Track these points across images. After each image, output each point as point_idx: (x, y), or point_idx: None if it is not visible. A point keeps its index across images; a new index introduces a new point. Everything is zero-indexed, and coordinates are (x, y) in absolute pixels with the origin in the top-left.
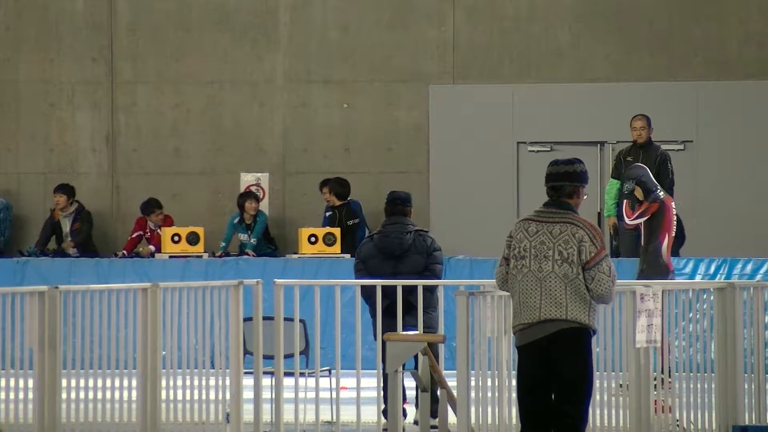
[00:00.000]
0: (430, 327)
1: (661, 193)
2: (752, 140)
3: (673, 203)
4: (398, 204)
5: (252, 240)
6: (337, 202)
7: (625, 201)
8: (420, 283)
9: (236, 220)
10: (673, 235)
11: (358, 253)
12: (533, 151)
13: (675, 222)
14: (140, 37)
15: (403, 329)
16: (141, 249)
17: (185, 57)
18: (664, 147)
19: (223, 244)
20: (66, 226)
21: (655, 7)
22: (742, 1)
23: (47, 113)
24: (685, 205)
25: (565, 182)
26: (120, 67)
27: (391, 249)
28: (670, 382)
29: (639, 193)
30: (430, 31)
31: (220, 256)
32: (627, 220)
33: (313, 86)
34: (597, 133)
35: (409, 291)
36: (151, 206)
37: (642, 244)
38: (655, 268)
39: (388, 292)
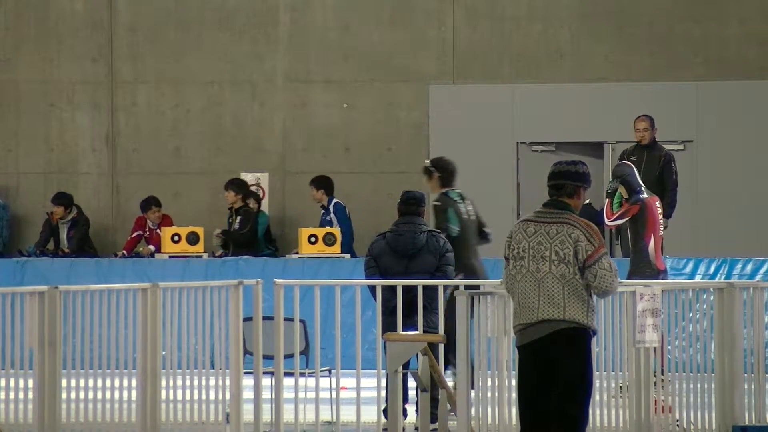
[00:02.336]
0: (436, 327)
1: (644, 194)
2: (752, 140)
3: (657, 203)
4: (412, 204)
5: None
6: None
7: (607, 200)
8: (419, 282)
9: None
10: (660, 234)
11: (370, 251)
12: (536, 151)
13: (661, 222)
14: (140, 37)
15: (416, 329)
16: (141, 249)
17: (185, 57)
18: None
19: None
20: (63, 232)
21: (655, 7)
22: (742, 1)
23: (47, 113)
24: (684, 205)
25: (567, 181)
26: (120, 67)
27: (404, 248)
28: (669, 381)
29: (623, 191)
30: (430, 31)
31: (220, 256)
32: (607, 221)
33: (313, 86)
34: (597, 133)
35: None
36: (148, 204)
37: (630, 246)
38: (642, 270)
39: (396, 292)
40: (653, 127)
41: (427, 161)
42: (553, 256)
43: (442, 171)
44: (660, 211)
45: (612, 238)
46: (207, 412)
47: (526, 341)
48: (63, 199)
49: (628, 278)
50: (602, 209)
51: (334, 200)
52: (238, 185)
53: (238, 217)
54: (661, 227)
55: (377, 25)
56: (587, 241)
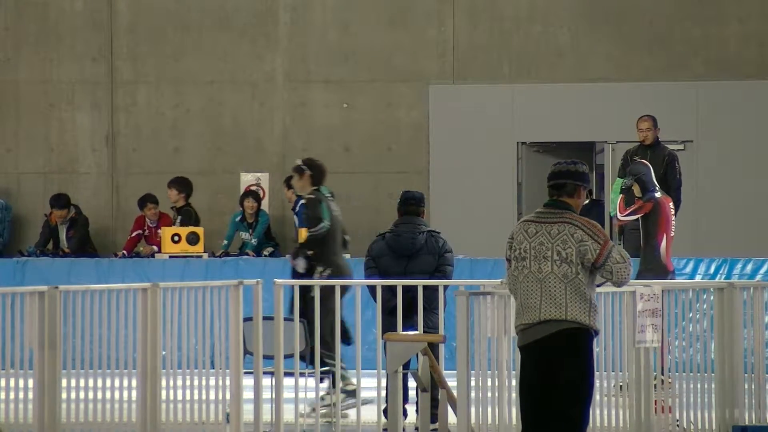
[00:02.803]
0: (436, 327)
1: (658, 193)
2: (752, 140)
3: (671, 203)
4: (412, 204)
5: (253, 240)
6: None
7: (621, 196)
8: (420, 283)
9: (238, 219)
10: (672, 235)
11: (369, 251)
12: (537, 151)
13: (674, 223)
14: (140, 37)
15: (414, 329)
16: (141, 249)
17: (185, 57)
18: None
19: (226, 242)
20: (63, 232)
21: (655, 7)
22: (742, 1)
23: (47, 113)
24: (685, 205)
25: (567, 180)
26: (120, 67)
27: (403, 248)
28: (669, 382)
29: (637, 190)
30: (430, 31)
31: (220, 255)
32: (619, 215)
33: (313, 86)
34: (597, 133)
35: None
36: (144, 201)
37: (641, 244)
38: (653, 269)
39: (396, 292)
40: (656, 127)
41: (299, 160)
42: (555, 256)
43: (314, 170)
44: (673, 211)
45: (618, 237)
46: (207, 412)
47: (528, 341)
48: (62, 201)
49: (637, 277)
50: (601, 203)
51: (302, 201)
52: (180, 184)
53: (179, 217)
54: (674, 227)
55: (377, 25)
56: (593, 240)
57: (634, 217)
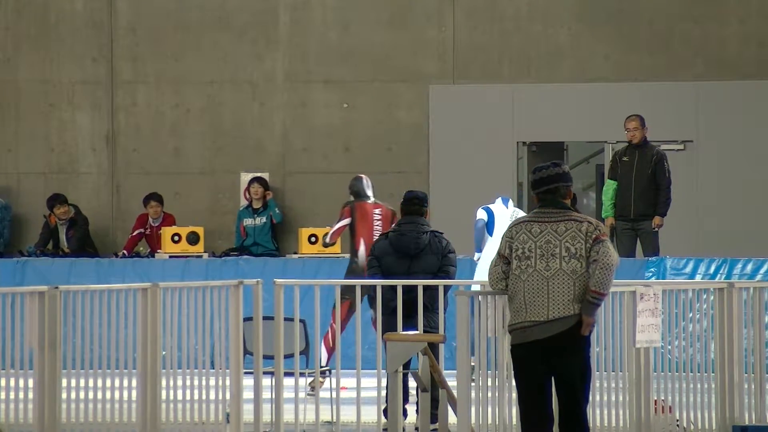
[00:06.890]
0: (436, 327)
1: (365, 200)
2: (752, 140)
3: (378, 210)
4: (415, 204)
5: (275, 220)
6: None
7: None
8: (419, 283)
9: (243, 208)
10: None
11: (372, 251)
12: (536, 151)
13: (377, 227)
14: (140, 37)
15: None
16: (140, 249)
17: (185, 57)
18: (663, 147)
19: (237, 239)
20: (62, 232)
21: (655, 7)
22: (742, 1)
23: (47, 113)
24: (685, 205)
25: (559, 183)
26: (120, 67)
27: (407, 248)
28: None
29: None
30: (430, 31)
31: (221, 255)
32: (327, 240)
33: (313, 86)
34: (597, 133)
35: (423, 291)
36: (148, 199)
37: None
38: (352, 272)
39: (397, 292)
40: (644, 126)
41: None
42: (564, 253)
43: None
44: (379, 218)
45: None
46: (207, 412)
47: (531, 339)
48: (60, 198)
49: (345, 277)
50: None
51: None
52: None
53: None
54: (376, 234)
55: (377, 25)
56: (595, 228)
57: (337, 226)
